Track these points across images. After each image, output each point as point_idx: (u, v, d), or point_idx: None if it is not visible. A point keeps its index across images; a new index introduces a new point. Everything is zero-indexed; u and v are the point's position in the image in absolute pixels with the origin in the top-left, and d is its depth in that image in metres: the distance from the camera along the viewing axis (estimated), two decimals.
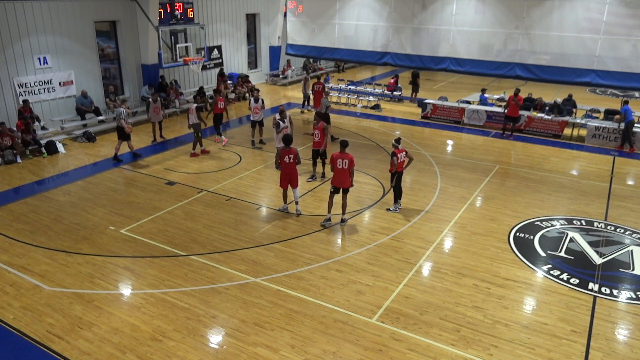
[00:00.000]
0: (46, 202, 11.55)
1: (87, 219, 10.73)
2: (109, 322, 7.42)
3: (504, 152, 15.84)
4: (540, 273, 8.93)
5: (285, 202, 11.06)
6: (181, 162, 14.29)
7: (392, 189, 11.27)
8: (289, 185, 10.77)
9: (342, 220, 10.56)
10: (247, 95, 22.27)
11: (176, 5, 18.25)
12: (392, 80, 23.47)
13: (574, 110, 18.44)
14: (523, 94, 19.24)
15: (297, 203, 11.01)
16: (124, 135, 14.06)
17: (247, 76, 23.23)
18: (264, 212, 11.22)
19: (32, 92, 15.64)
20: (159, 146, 15.70)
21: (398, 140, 10.91)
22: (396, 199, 11.20)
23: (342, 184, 10.30)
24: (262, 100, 15.66)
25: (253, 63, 25.69)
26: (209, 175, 13.24)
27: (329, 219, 10.55)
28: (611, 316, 7.78)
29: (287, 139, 10.64)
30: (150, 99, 15.87)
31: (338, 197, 10.47)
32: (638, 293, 8.38)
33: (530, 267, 9.09)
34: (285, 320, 7.50)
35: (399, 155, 10.78)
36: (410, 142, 16.60)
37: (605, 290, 8.44)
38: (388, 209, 11.22)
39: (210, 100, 20.70)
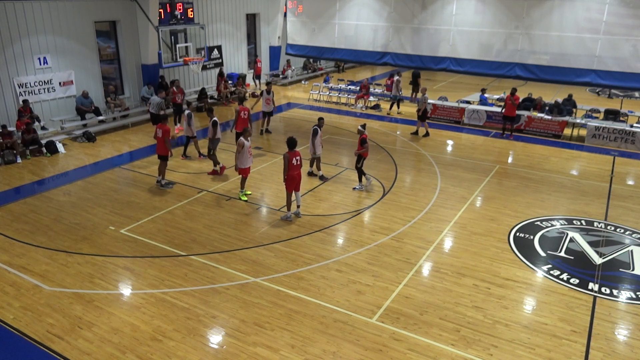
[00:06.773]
0: (46, 202, 11.55)
1: (87, 219, 10.73)
2: (109, 322, 7.42)
3: (504, 152, 15.84)
4: (540, 273, 8.93)
5: (289, 209, 10.71)
6: (181, 162, 14.28)
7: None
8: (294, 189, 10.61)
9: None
10: (247, 95, 22.27)
11: (176, 5, 18.27)
12: (388, 82, 23.46)
13: (574, 110, 18.45)
14: (523, 94, 19.32)
15: (298, 206, 10.86)
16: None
17: (246, 76, 23.21)
18: (264, 212, 11.22)
19: (32, 92, 15.64)
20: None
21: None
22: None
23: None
24: (273, 92, 16.57)
25: (253, 63, 25.67)
26: (209, 175, 13.23)
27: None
28: (611, 316, 7.78)
29: (291, 142, 10.36)
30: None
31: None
32: (638, 293, 8.38)
33: (530, 267, 9.09)
34: (285, 320, 7.50)
35: None
36: (410, 142, 16.61)
37: (605, 290, 8.45)
38: None
39: (210, 100, 20.81)
